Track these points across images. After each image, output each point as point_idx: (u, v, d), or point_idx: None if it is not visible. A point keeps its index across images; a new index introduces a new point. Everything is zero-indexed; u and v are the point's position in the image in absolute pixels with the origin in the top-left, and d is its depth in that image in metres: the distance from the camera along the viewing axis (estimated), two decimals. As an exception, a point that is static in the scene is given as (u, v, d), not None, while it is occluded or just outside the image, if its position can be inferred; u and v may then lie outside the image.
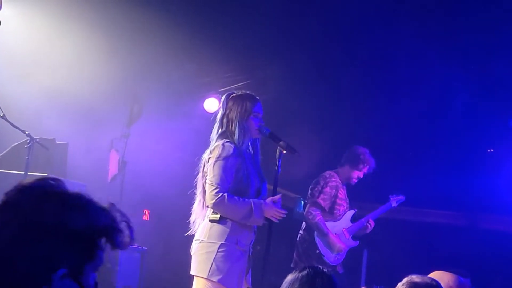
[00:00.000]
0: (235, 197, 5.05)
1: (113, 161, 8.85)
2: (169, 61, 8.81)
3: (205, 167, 5.24)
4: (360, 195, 8.39)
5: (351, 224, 7.70)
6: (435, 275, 3.99)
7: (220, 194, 5.02)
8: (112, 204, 1.75)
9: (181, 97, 9.26)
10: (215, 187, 5.05)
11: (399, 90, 9.03)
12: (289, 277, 3.14)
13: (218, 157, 5.11)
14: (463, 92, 8.76)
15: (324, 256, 7.39)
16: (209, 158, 5.19)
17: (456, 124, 9.28)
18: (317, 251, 7.35)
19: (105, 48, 8.25)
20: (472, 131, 9.31)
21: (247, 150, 5.32)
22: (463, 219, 10.10)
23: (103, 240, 1.69)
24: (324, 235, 7.39)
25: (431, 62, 8.41)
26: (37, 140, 6.96)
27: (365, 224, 7.66)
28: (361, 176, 7.67)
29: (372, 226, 7.72)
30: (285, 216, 5.22)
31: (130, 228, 1.75)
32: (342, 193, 7.63)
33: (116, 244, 1.71)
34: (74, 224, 1.62)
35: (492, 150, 9.91)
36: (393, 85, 9.08)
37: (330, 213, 7.56)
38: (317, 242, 7.38)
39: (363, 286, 9.00)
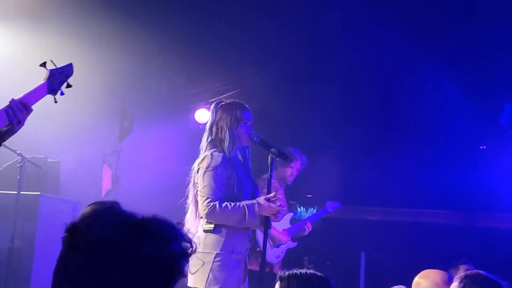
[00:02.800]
0: (227, 203, 5.05)
1: (106, 176, 8.83)
2: (158, 74, 8.82)
3: (195, 178, 5.24)
4: (359, 197, 8.44)
5: (290, 225, 7.88)
6: (423, 273, 4.00)
7: (212, 203, 5.02)
8: (179, 224, 1.76)
9: (171, 110, 9.26)
10: (205, 197, 5.06)
11: (391, 90, 9.05)
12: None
13: (207, 168, 5.11)
14: (454, 90, 8.79)
15: (264, 253, 7.51)
16: (198, 169, 5.20)
17: (448, 122, 9.31)
18: (258, 249, 7.46)
19: (93, 63, 8.23)
20: (463, 128, 9.33)
21: (237, 158, 5.33)
22: (458, 218, 10.12)
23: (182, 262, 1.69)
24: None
25: (421, 60, 8.44)
26: (29, 159, 6.95)
27: (303, 226, 7.88)
28: (295, 173, 7.86)
29: (310, 229, 7.92)
30: (282, 210, 5.23)
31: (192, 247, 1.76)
32: (281, 195, 7.76)
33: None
34: (160, 252, 1.62)
35: (484, 147, 9.94)
36: (384, 85, 9.10)
37: None
38: (258, 240, 7.49)
39: (362, 287, 9.01)
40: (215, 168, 5.10)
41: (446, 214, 10.25)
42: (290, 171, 7.82)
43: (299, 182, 8.31)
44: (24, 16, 8.02)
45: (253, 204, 5.13)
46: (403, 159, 9.79)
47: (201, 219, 5.20)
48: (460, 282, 3.46)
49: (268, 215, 5.20)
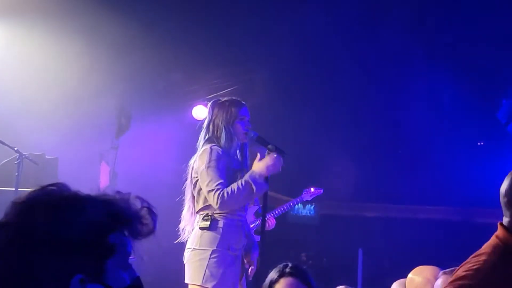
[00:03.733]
0: (230, 187, 5.06)
1: (103, 173, 8.83)
2: (155, 71, 8.80)
3: (193, 173, 5.24)
4: (357, 194, 8.45)
5: (254, 219, 7.81)
6: (416, 270, 4.01)
7: (219, 193, 5.02)
8: (119, 193, 1.66)
9: (168, 106, 9.24)
10: (213, 189, 5.05)
11: (388, 87, 9.06)
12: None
13: (209, 162, 5.11)
14: (452, 86, 8.80)
15: (264, 228, 7.50)
16: (196, 164, 5.20)
17: (445, 118, 9.31)
18: None
19: (90, 60, 8.23)
20: (461, 124, 9.34)
21: (235, 156, 5.33)
22: (456, 214, 10.13)
23: (118, 232, 1.61)
24: None
25: (418, 56, 8.44)
26: (27, 155, 6.94)
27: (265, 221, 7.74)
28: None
29: (273, 224, 7.74)
30: (279, 162, 5.23)
31: (150, 214, 1.68)
32: None
33: (133, 234, 1.64)
34: (70, 228, 1.54)
35: (482, 143, 9.94)
36: (382, 82, 9.11)
37: None
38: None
39: (360, 284, 9.02)
40: (217, 161, 5.11)
41: (444, 210, 10.27)
42: None
43: (296, 178, 8.31)
44: (19, 14, 8.01)
45: (251, 174, 5.15)
46: (401, 155, 9.80)
47: (197, 215, 5.21)
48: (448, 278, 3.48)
49: (270, 170, 5.20)
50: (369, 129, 9.43)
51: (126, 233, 1.64)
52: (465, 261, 2.69)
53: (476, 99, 8.94)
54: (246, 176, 5.13)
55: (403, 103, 9.07)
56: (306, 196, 7.98)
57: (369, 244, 9.28)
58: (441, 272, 3.59)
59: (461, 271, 2.64)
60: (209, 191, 5.07)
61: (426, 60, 8.47)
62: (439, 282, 3.53)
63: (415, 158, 9.70)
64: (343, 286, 4.37)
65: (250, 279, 5.34)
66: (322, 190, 7.96)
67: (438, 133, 9.51)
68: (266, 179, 5.21)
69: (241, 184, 5.08)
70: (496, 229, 2.70)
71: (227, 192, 5.02)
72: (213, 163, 5.10)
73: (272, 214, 7.81)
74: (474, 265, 2.68)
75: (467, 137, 9.64)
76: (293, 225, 8.49)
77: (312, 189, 7.95)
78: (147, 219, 1.68)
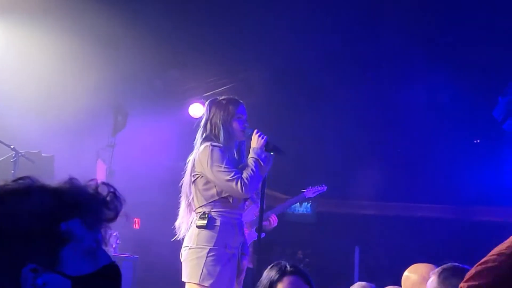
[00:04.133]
0: (245, 172, 5.13)
1: (100, 171, 8.82)
2: (152, 68, 8.80)
3: (192, 170, 5.25)
4: (354, 191, 8.45)
5: (254, 217, 7.84)
6: (412, 268, 4.02)
7: (239, 181, 5.08)
8: (72, 180, 1.64)
9: (165, 104, 9.24)
10: (233, 178, 5.10)
11: (386, 86, 9.06)
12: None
13: (212, 159, 5.13)
14: (448, 85, 8.80)
15: (260, 229, 7.52)
16: (198, 161, 5.20)
17: (442, 116, 9.32)
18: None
19: (87, 57, 8.22)
20: (457, 122, 9.35)
21: (233, 155, 5.35)
22: (453, 212, 10.14)
23: (77, 219, 1.58)
24: None
25: (415, 55, 8.45)
26: (23, 153, 6.93)
27: (266, 220, 7.80)
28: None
29: (275, 222, 7.76)
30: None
31: (114, 198, 1.65)
32: None
33: (97, 220, 1.61)
34: (14, 219, 1.53)
35: (478, 141, 9.96)
36: (380, 80, 9.11)
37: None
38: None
39: (357, 282, 9.01)
40: (222, 156, 5.14)
41: (440, 208, 10.28)
42: None
43: (293, 176, 8.31)
44: (17, 11, 8.00)
45: (254, 150, 5.23)
46: (398, 153, 9.81)
47: (194, 214, 5.22)
48: (439, 276, 3.50)
49: (260, 143, 5.27)
50: (367, 127, 9.44)
51: (86, 220, 1.61)
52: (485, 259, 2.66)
53: (472, 97, 8.95)
54: (252, 154, 5.21)
55: (400, 102, 9.07)
56: (309, 193, 8.04)
57: (365, 242, 9.29)
58: (431, 273, 3.61)
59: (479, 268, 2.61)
60: (230, 181, 5.10)
61: (423, 58, 8.47)
62: (429, 282, 3.55)
63: (412, 156, 9.71)
64: (363, 282, 4.39)
65: (243, 274, 5.34)
66: (325, 187, 8.04)
67: (435, 131, 9.53)
68: (269, 150, 5.30)
69: (252, 164, 5.15)
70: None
71: (246, 178, 5.09)
72: (220, 159, 5.13)
73: (273, 212, 7.86)
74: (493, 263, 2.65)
75: (463, 135, 9.66)
76: (290, 223, 8.50)
77: (315, 187, 8.03)
78: (112, 205, 1.66)
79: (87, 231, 1.60)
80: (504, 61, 8.47)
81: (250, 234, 7.79)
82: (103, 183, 1.68)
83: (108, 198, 1.65)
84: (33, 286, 1.50)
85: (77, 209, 1.60)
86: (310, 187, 8.01)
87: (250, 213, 7.84)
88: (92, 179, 1.68)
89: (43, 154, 7.49)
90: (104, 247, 1.65)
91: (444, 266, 3.60)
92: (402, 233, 9.59)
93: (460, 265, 3.60)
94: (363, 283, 4.63)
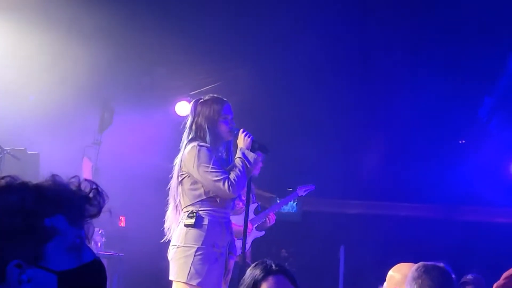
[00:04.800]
0: (233, 172, 5.14)
1: (86, 168, 8.79)
2: (139, 66, 8.78)
3: (179, 170, 5.24)
4: (339, 190, 8.47)
5: (254, 216, 7.95)
6: (396, 267, 4.06)
7: (226, 181, 5.09)
8: (54, 177, 1.67)
9: (152, 102, 9.22)
10: (220, 179, 5.10)
11: (370, 84, 9.08)
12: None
13: (199, 159, 5.12)
14: (434, 84, 8.83)
15: (245, 239, 7.65)
16: (185, 162, 5.20)
17: (428, 115, 9.35)
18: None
19: (73, 54, 8.19)
20: (443, 122, 9.38)
21: (221, 155, 5.34)
22: (437, 211, 10.19)
23: (60, 215, 1.60)
24: None
25: (400, 55, 8.47)
26: (8, 151, 6.90)
27: (264, 218, 7.96)
28: (261, 165, 7.95)
29: (272, 221, 7.96)
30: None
31: (96, 195, 1.67)
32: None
33: (72, 217, 1.62)
34: None
35: (463, 142, 10.00)
36: (365, 80, 9.12)
37: (232, 207, 7.81)
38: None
39: (342, 281, 9.05)
40: (209, 156, 5.13)
41: (425, 207, 10.32)
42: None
43: (278, 175, 8.32)
44: (2, 8, 7.95)
45: (241, 150, 5.25)
46: (383, 152, 9.83)
47: (182, 213, 5.21)
48: (413, 272, 3.60)
49: (247, 142, 5.28)
50: (352, 126, 9.46)
51: (69, 216, 1.62)
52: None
53: (458, 97, 8.98)
54: (238, 154, 5.21)
55: (385, 101, 9.10)
56: (301, 192, 8.22)
57: (351, 241, 9.30)
58: (411, 271, 3.69)
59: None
60: (217, 182, 5.09)
61: (409, 56, 8.50)
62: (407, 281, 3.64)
63: (397, 155, 9.74)
64: None
65: (230, 273, 5.35)
66: (314, 186, 8.22)
67: (420, 131, 9.55)
68: (255, 149, 5.32)
69: (239, 164, 5.16)
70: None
71: (234, 178, 5.09)
72: (207, 159, 5.12)
73: (270, 210, 8.03)
74: None
75: (448, 135, 9.69)
76: (275, 221, 8.50)
77: (304, 185, 8.23)
78: (94, 201, 1.67)
79: (70, 227, 1.61)
80: (490, 61, 8.51)
81: (252, 233, 7.91)
82: (86, 180, 1.69)
83: (91, 195, 1.67)
84: (19, 282, 1.51)
85: (60, 205, 1.61)
86: (301, 186, 8.16)
87: (250, 212, 7.94)
88: (74, 176, 1.69)
89: (28, 152, 7.46)
90: (87, 243, 1.67)
91: (419, 264, 3.68)
92: (387, 232, 9.62)
93: (433, 263, 3.68)
94: None
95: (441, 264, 3.70)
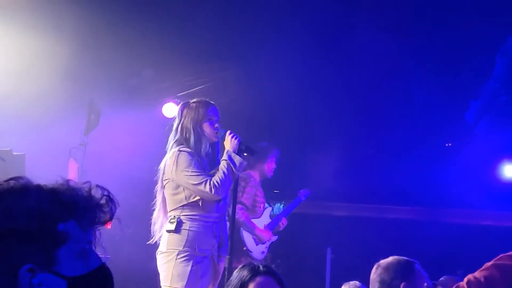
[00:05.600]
0: (216, 174, 5.14)
1: (72, 170, 8.75)
2: (126, 67, 8.74)
3: (163, 176, 5.27)
4: (325, 193, 8.49)
5: (270, 220, 8.15)
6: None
7: (208, 183, 5.10)
8: (68, 181, 1.67)
9: (139, 103, 9.19)
10: (201, 182, 5.10)
11: (358, 85, 9.09)
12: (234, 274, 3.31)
13: (178, 164, 5.13)
14: (420, 87, 8.85)
15: (251, 252, 7.82)
16: (167, 167, 5.21)
17: (414, 118, 9.37)
18: (244, 248, 7.71)
19: (59, 55, 8.14)
20: (429, 125, 9.40)
21: (206, 156, 5.35)
22: (424, 214, 10.20)
23: (73, 220, 1.60)
24: (251, 230, 7.80)
25: (388, 56, 8.48)
26: (-7, 152, 6.86)
27: (278, 222, 8.13)
28: (274, 165, 8.06)
29: (285, 224, 8.17)
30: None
31: (108, 201, 1.68)
32: (261, 192, 8.05)
33: (90, 222, 1.64)
34: (12, 218, 1.53)
35: (450, 144, 10.03)
36: (353, 83, 9.13)
37: (252, 211, 7.96)
38: (244, 240, 7.69)
39: (328, 282, 9.05)
40: (189, 161, 5.15)
41: (411, 210, 10.34)
42: (270, 166, 8.06)
43: (267, 179, 8.32)
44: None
45: (227, 153, 5.31)
46: (369, 154, 9.85)
47: (166, 219, 5.25)
48: (377, 268, 3.71)
49: (234, 144, 5.31)
50: (339, 129, 9.46)
51: (81, 221, 1.63)
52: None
53: (444, 100, 9.01)
54: (224, 156, 5.24)
55: (373, 102, 9.11)
56: (303, 197, 8.45)
57: (337, 243, 9.31)
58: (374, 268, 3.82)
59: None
60: (198, 185, 5.11)
61: (397, 58, 8.51)
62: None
63: (384, 158, 9.75)
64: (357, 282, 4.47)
65: (220, 276, 5.36)
66: (309, 191, 8.63)
67: (407, 133, 9.57)
68: (242, 151, 5.35)
69: (224, 166, 5.18)
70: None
71: (217, 180, 5.10)
72: (186, 163, 5.14)
73: (283, 214, 8.21)
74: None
75: (435, 138, 9.72)
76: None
77: (302, 190, 8.62)
78: (106, 208, 1.68)
79: (81, 232, 1.62)
80: (476, 64, 8.54)
81: (271, 236, 8.08)
82: (97, 186, 1.69)
83: (103, 201, 1.67)
84: (30, 286, 1.50)
85: (75, 210, 1.61)
86: (300, 190, 8.42)
87: (266, 216, 8.06)
88: (86, 182, 1.68)
89: (14, 153, 7.41)
90: (94, 249, 1.69)
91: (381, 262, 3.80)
92: (374, 235, 9.63)
93: (397, 257, 3.79)
94: (357, 283, 4.70)
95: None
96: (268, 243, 8.01)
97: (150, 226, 5.34)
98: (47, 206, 1.58)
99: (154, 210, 5.37)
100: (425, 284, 3.89)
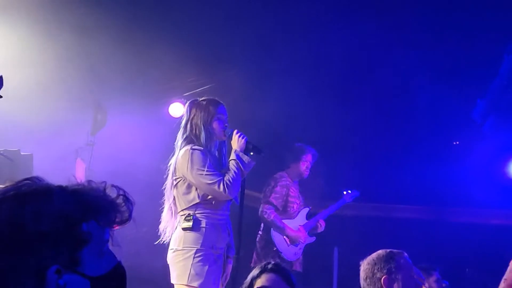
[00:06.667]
0: (227, 174, 5.15)
1: (79, 170, 8.77)
2: (132, 68, 8.76)
3: (174, 174, 5.26)
4: (332, 192, 8.47)
5: (306, 221, 8.08)
6: None
7: (221, 183, 5.11)
8: (94, 183, 1.70)
9: (145, 103, 9.20)
10: (215, 181, 5.12)
11: (364, 88, 9.07)
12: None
13: (193, 163, 5.14)
14: (427, 86, 8.83)
15: (281, 252, 7.74)
16: (179, 165, 5.20)
17: (421, 117, 9.35)
18: (275, 249, 7.66)
19: (66, 55, 8.16)
20: (436, 124, 9.38)
21: (214, 155, 5.36)
22: (431, 213, 10.18)
23: (92, 220, 1.62)
24: (281, 230, 7.71)
25: (394, 56, 8.47)
26: (1, 151, 6.88)
27: (315, 224, 8.02)
28: (309, 166, 8.00)
29: (323, 227, 8.07)
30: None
31: (126, 201, 1.71)
32: (294, 191, 7.98)
33: (108, 222, 1.66)
34: (38, 219, 1.54)
35: (457, 143, 10.00)
36: (357, 83, 9.12)
37: (284, 211, 7.91)
38: (274, 240, 7.64)
39: (335, 282, 9.04)
40: (203, 160, 5.15)
41: (419, 209, 10.32)
42: (304, 165, 8.03)
43: (271, 176, 8.31)
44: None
45: (235, 152, 5.32)
46: (376, 154, 9.83)
47: (179, 216, 5.23)
48: (361, 265, 3.78)
49: (241, 144, 5.34)
50: (345, 127, 9.45)
51: (100, 221, 1.63)
52: None
53: (451, 99, 8.99)
54: (232, 156, 5.25)
55: (381, 102, 9.10)
56: (348, 198, 8.32)
57: (344, 243, 9.29)
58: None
59: None
60: (212, 184, 5.12)
61: (403, 59, 8.50)
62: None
63: (391, 157, 9.73)
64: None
65: (228, 276, 5.37)
66: (358, 192, 8.57)
67: (414, 132, 9.56)
68: (249, 151, 5.36)
69: (234, 165, 5.19)
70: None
71: (229, 180, 5.12)
72: (201, 162, 5.14)
73: (321, 216, 8.10)
74: None
75: (442, 136, 9.69)
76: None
77: (349, 191, 8.53)
78: (123, 207, 1.69)
79: (101, 232, 1.65)
80: (483, 62, 8.51)
81: (306, 238, 8.00)
82: (113, 186, 1.73)
83: (119, 201, 1.71)
84: (57, 287, 1.52)
85: (96, 211, 1.64)
86: (346, 191, 8.29)
87: (302, 217, 7.99)
88: (102, 182, 1.72)
89: (22, 153, 7.43)
90: (110, 247, 1.71)
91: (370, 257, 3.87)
92: (381, 234, 9.60)
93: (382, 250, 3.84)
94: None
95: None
96: (302, 245, 7.90)
97: (158, 225, 5.33)
98: (71, 207, 1.61)
99: (162, 208, 5.37)
100: (413, 273, 3.92)
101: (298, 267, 7.89)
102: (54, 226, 1.56)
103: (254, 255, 7.81)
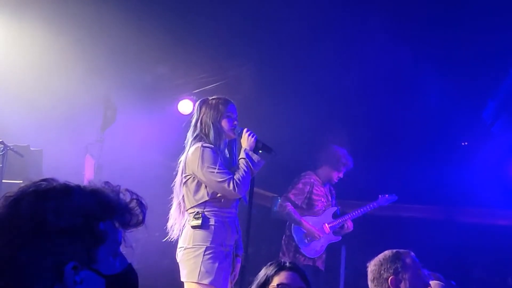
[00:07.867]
0: (236, 174, 5.17)
1: (88, 166, 8.80)
2: (142, 64, 8.78)
3: (184, 171, 5.27)
4: (339, 192, 8.47)
5: (332, 219, 8.01)
6: None
7: (231, 182, 5.13)
8: (109, 184, 1.73)
9: (155, 100, 9.22)
10: (225, 179, 5.13)
11: (373, 87, 9.06)
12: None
13: (203, 161, 5.15)
14: (436, 86, 8.81)
15: (300, 248, 7.74)
16: (189, 163, 5.22)
17: (430, 117, 9.33)
18: (294, 243, 7.61)
19: (76, 52, 8.19)
20: (446, 124, 9.36)
21: (224, 153, 5.37)
22: (439, 213, 10.17)
23: (108, 220, 1.66)
24: (297, 222, 7.71)
25: (403, 57, 8.45)
26: (11, 147, 6.91)
27: (342, 223, 7.99)
28: (341, 176, 7.99)
29: (350, 227, 8.02)
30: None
31: (140, 205, 1.74)
32: (320, 190, 7.91)
33: (122, 224, 1.70)
34: (58, 216, 1.58)
35: (466, 143, 9.98)
36: (367, 81, 9.10)
37: (308, 208, 7.88)
38: (294, 235, 7.63)
39: (343, 281, 9.04)
40: (213, 158, 5.17)
41: (427, 209, 10.31)
42: (338, 175, 8.09)
43: (281, 174, 8.32)
44: (2, 3, 7.95)
45: (245, 151, 5.32)
46: (384, 154, 9.82)
47: (187, 214, 5.25)
48: (368, 268, 3.79)
49: (251, 142, 5.35)
50: (354, 126, 9.44)
51: (116, 222, 1.67)
52: None
53: (461, 99, 8.97)
54: (242, 154, 5.26)
55: (389, 103, 9.08)
56: (382, 201, 8.24)
57: (352, 242, 9.30)
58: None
59: None
60: (222, 183, 5.14)
61: (412, 59, 8.48)
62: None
63: (399, 156, 9.72)
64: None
65: (237, 275, 5.38)
66: (396, 197, 8.37)
67: (423, 132, 9.54)
68: (258, 149, 5.38)
69: (243, 164, 5.20)
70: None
71: (238, 178, 5.13)
72: (212, 160, 5.16)
73: (349, 217, 8.06)
74: None
75: (452, 137, 9.67)
76: (277, 221, 8.49)
77: (386, 196, 8.35)
78: (137, 211, 1.73)
79: (116, 233, 1.69)
80: (494, 63, 8.49)
81: (328, 236, 7.97)
82: (127, 190, 1.76)
83: (133, 204, 1.74)
84: (74, 283, 1.55)
85: (113, 211, 1.68)
86: (383, 195, 8.25)
87: (328, 215, 7.99)
88: (117, 185, 1.74)
89: (31, 148, 7.47)
90: (121, 248, 1.75)
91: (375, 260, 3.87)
92: (388, 234, 9.60)
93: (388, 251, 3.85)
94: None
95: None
96: (324, 242, 7.89)
97: (166, 222, 5.34)
98: (90, 206, 1.64)
99: (171, 204, 5.38)
100: (421, 272, 3.93)
101: (320, 265, 7.88)
102: (73, 223, 1.59)
103: (280, 252, 7.84)
